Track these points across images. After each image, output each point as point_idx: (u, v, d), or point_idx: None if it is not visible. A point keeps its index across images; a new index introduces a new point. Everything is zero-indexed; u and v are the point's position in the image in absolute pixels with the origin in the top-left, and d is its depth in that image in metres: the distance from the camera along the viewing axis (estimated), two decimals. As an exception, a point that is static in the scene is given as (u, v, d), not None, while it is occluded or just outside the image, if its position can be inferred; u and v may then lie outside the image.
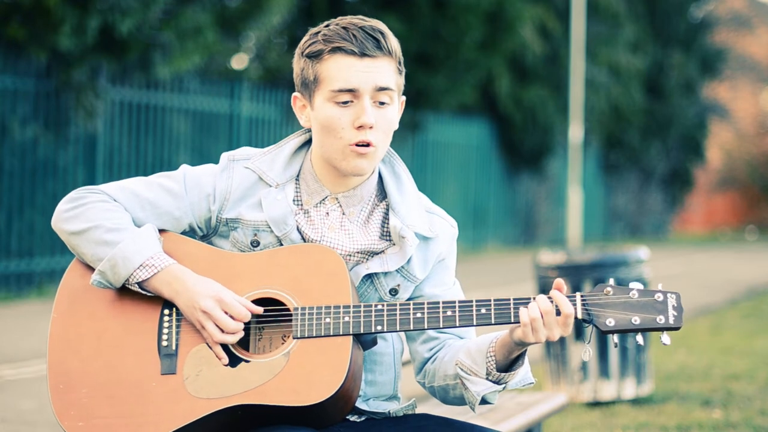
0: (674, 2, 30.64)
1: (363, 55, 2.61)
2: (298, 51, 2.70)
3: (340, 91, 2.60)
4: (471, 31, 19.46)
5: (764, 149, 41.29)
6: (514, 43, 21.35)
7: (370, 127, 2.61)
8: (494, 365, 2.62)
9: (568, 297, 2.56)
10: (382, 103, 2.64)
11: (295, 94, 2.74)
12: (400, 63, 2.68)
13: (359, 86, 2.60)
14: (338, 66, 2.61)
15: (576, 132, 22.70)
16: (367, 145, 2.62)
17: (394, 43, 2.66)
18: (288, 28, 18.00)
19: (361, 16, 2.68)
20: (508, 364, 2.64)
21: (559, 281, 2.57)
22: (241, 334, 2.59)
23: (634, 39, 27.66)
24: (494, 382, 2.63)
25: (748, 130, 41.43)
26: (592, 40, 24.81)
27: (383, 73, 2.62)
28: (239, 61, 16.93)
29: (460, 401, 2.74)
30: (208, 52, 13.53)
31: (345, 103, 2.61)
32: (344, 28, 2.63)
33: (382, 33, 2.64)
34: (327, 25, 2.67)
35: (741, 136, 41.03)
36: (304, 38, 2.70)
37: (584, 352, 2.63)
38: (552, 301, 2.54)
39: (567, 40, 23.64)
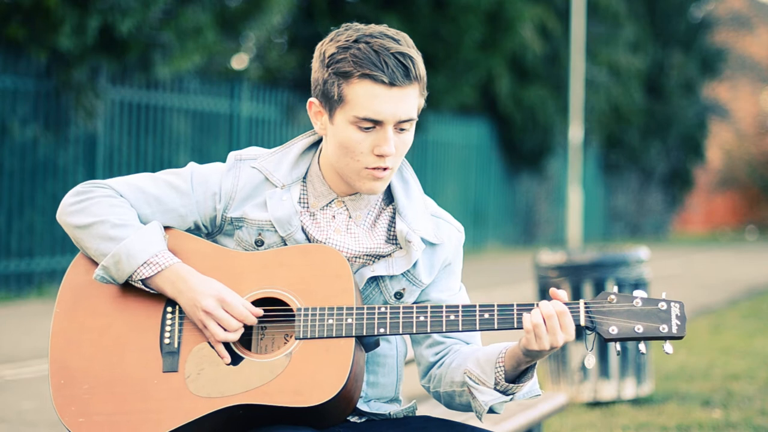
0: (674, 2, 30.65)
1: (392, 85, 2.57)
2: (320, 57, 2.63)
3: (365, 119, 2.58)
4: (471, 31, 19.45)
5: (764, 149, 41.30)
6: (514, 43, 21.35)
7: (389, 156, 2.61)
8: (503, 376, 2.62)
9: (571, 304, 2.57)
10: (402, 129, 2.63)
11: (312, 99, 2.69)
12: (424, 87, 2.65)
13: (385, 118, 2.58)
14: (366, 93, 2.57)
15: (576, 132, 22.70)
16: (384, 169, 2.62)
17: (421, 68, 2.62)
18: (288, 28, 18.00)
19: (392, 34, 2.60)
20: (517, 375, 2.64)
21: (554, 291, 2.57)
22: (242, 330, 2.59)
23: (634, 39, 27.66)
24: (502, 393, 2.63)
25: (748, 130, 41.44)
26: (592, 40, 24.81)
27: (408, 104, 2.59)
28: (239, 61, 16.93)
29: (466, 408, 2.73)
30: (208, 52, 13.54)
31: (367, 129, 2.60)
32: (376, 51, 2.57)
33: (411, 59, 2.59)
34: (356, 41, 2.59)
35: (741, 136, 41.04)
36: (330, 46, 2.61)
37: (587, 359, 2.63)
38: (553, 307, 2.55)
39: (567, 40, 23.64)
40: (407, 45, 2.61)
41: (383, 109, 2.57)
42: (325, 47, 2.64)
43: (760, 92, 42.37)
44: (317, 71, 2.65)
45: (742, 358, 8.49)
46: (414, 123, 2.65)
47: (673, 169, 32.29)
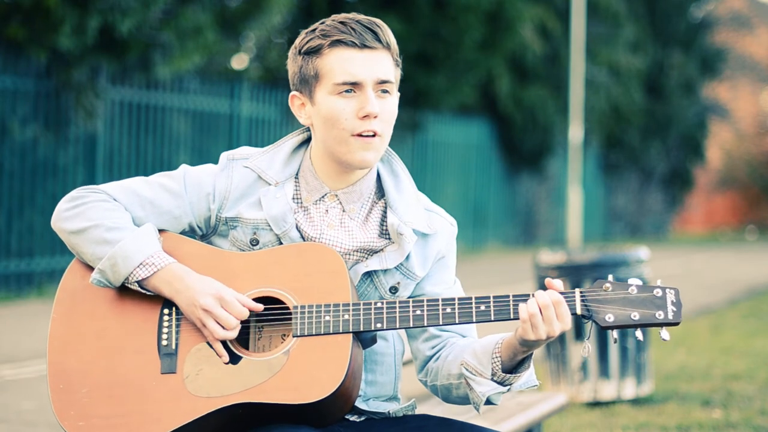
0: (674, 2, 30.66)
1: (363, 46, 2.62)
2: (293, 51, 2.71)
3: (344, 83, 2.61)
4: (471, 31, 19.46)
5: (764, 149, 41.31)
6: (514, 43, 21.35)
7: (375, 117, 2.62)
8: (500, 366, 2.62)
9: (567, 293, 2.57)
10: (384, 92, 2.65)
11: (293, 93, 2.74)
12: (397, 57, 2.69)
13: (363, 78, 2.61)
14: (339, 59, 2.62)
15: (576, 132, 22.70)
16: (373, 135, 2.63)
17: (390, 36, 2.67)
18: (288, 28, 17.99)
19: (354, 13, 2.70)
20: (514, 365, 2.64)
21: (549, 280, 2.58)
22: (239, 326, 2.59)
23: (634, 39, 27.67)
24: (499, 383, 2.63)
25: (748, 130, 41.46)
26: (592, 40, 24.81)
27: (383, 66, 2.64)
28: (239, 61, 16.93)
29: (463, 400, 2.74)
30: (208, 52, 13.53)
31: (348, 92, 2.62)
32: (341, 22, 2.65)
33: (378, 26, 2.65)
34: (322, 22, 2.68)
35: (741, 136, 41.05)
36: (300, 37, 2.70)
37: (584, 348, 2.63)
38: (549, 297, 2.55)
39: (567, 40, 23.64)
40: (375, 19, 2.67)
41: (359, 71, 2.61)
42: (295, 41, 2.72)
43: (760, 92, 42.38)
44: (292, 65, 2.72)
45: (742, 358, 8.49)
46: (395, 90, 2.68)
47: (673, 169, 32.29)
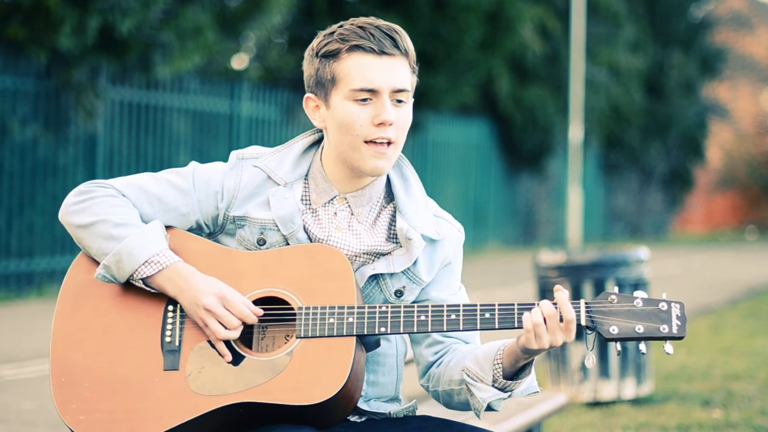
0: (674, 2, 30.66)
1: (382, 53, 2.61)
2: (309, 52, 2.69)
3: (361, 90, 2.60)
4: (471, 31, 19.46)
5: (764, 149, 41.31)
6: (514, 43, 21.35)
7: (390, 124, 2.62)
8: (501, 372, 2.62)
9: (571, 303, 2.57)
10: (399, 101, 2.64)
11: (307, 95, 2.72)
12: (414, 64, 2.69)
13: (380, 86, 2.60)
14: (357, 64, 2.60)
15: (576, 132, 22.70)
16: (388, 143, 2.62)
17: (408, 42, 2.66)
18: (288, 28, 18.00)
19: (373, 18, 2.68)
20: (515, 372, 2.64)
21: (559, 287, 2.57)
22: (242, 327, 2.59)
23: (634, 39, 27.67)
24: (500, 390, 2.63)
25: (748, 130, 41.46)
26: (592, 40, 24.81)
27: (400, 74, 2.63)
28: (239, 61, 16.93)
29: (464, 406, 2.73)
30: (208, 52, 13.54)
31: (364, 100, 2.62)
32: (360, 27, 2.63)
33: (397, 32, 2.64)
34: (341, 26, 2.66)
35: (741, 136, 41.05)
36: (317, 39, 2.68)
37: (587, 359, 2.63)
38: (555, 306, 2.54)
39: (567, 40, 23.64)
40: (394, 25, 2.66)
41: (376, 78, 2.60)
42: (312, 43, 2.69)
43: (760, 92, 42.39)
44: (308, 67, 2.69)
45: (742, 358, 8.49)
46: (410, 97, 2.67)
47: (673, 169, 32.30)
